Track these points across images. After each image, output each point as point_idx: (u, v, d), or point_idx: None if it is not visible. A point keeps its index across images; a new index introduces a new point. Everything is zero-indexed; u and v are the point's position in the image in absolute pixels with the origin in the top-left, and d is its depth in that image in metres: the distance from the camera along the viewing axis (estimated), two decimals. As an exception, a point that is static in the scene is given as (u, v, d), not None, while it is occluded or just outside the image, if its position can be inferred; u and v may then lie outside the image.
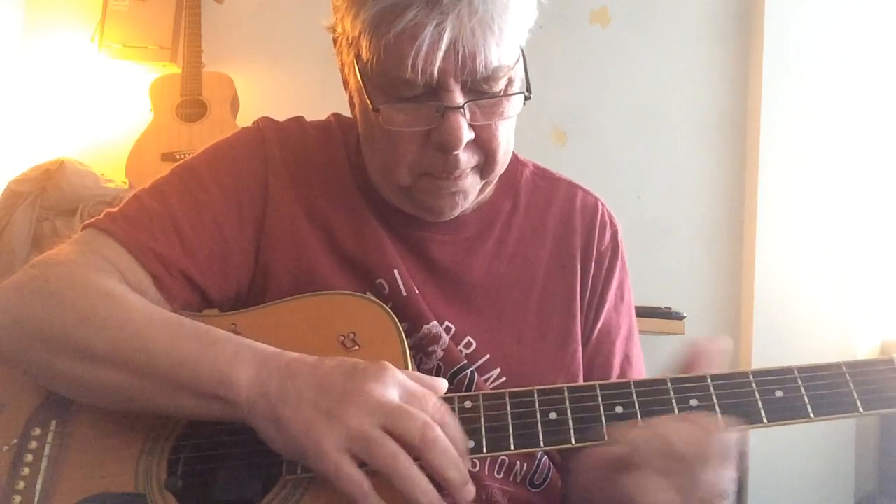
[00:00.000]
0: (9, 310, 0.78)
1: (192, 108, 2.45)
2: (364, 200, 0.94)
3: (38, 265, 0.82)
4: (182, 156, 2.35)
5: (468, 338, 0.91)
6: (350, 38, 0.81)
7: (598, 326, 0.98)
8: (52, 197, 2.23)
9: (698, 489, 0.67)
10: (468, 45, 0.75)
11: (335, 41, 0.89)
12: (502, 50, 0.78)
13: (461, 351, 0.91)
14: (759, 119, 2.38)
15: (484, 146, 0.83)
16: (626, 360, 1.00)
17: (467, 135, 0.79)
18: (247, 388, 0.70)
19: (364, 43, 0.78)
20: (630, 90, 2.51)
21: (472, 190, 0.87)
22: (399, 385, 0.69)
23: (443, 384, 0.75)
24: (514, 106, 0.83)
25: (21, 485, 0.75)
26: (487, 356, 0.91)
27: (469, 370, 0.90)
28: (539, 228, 0.98)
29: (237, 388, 0.70)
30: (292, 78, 2.61)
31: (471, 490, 0.67)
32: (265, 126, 0.97)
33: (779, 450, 2.21)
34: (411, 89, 0.78)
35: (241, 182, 0.92)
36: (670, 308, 2.16)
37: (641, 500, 0.67)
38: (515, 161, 1.00)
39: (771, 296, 2.31)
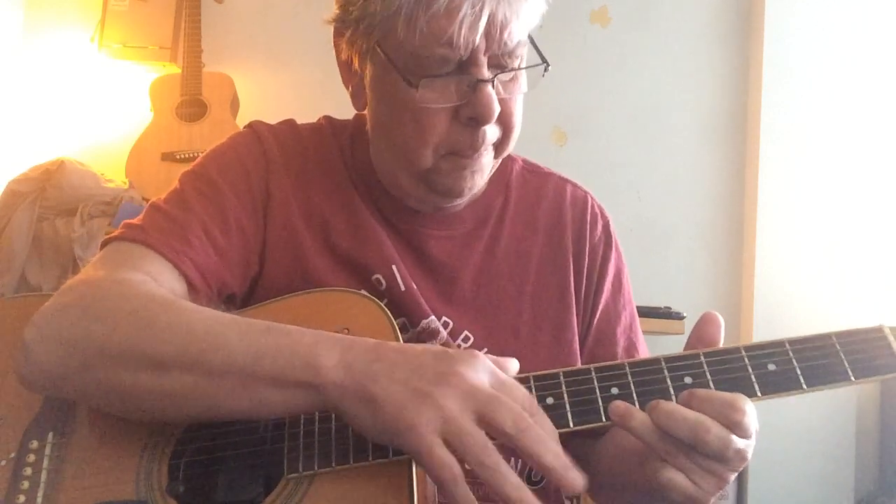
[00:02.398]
0: (57, 333, 0.74)
1: (192, 108, 2.45)
2: (360, 198, 0.95)
3: (76, 285, 0.79)
4: (182, 156, 2.35)
5: (466, 332, 0.92)
6: (375, 21, 0.81)
7: (597, 316, 0.99)
8: (52, 197, 2.23)
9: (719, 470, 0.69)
10: (504, 17, 0.78)
11: (339, 32, 0.88)
12: (528, 21, 0.81)
13: (460, 345, 0.92)
14: (759, 119, 2.38)
15: (504, 121, 0.85)
16: (632, 347, 1.00)
17: (498, 107, 0.81)
18: (333, 371, 0.67)
19: (400, 21, 0.78)
20: (630, 90, 2.51)
21: (487, 168, 0.89)
22: (489, 372, 0.68)
23: (514, 364, 0.74)
24: (526, 81, 0.85)
25: (21, 499, 0.74)
26: (485, 350, 0.91)
27: None
28: (530, 223, 1.00)
29: (324, 372, 0.67)
30: (292, 78, 2.61)
31: (577, 476, 0.64)
32: (259, 128, 0.98)
33: (779, 450, 2.21)
34: (443, 66, 0.80)
35: (250, 182, 0.92)
36: (670, 308, 2.16)
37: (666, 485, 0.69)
38: (507, 157, 1.01)
39: (771, 296, 2.32)
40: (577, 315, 0.98)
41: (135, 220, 0.87)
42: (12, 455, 0.77)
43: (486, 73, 0.80)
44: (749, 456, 0.69)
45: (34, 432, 0.78)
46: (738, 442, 0.68)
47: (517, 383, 0.69)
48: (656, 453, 0.69)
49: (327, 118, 1.03)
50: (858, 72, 2.35)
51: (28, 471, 0.76)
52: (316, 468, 0.72)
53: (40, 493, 0.74)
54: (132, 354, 0.71)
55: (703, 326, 0.77)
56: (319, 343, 0.69)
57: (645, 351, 1.02)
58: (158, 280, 0.81)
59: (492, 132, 0.84)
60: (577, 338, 0.97)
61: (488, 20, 0.77)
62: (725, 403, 0.68)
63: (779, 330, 2.25)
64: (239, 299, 0.92)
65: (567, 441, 0.98)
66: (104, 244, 0.87)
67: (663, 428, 0.68)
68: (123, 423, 0.78)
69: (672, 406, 0.69)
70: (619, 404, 0.71)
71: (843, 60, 2.35)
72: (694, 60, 2.51)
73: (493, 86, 0.80)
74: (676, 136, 2.50)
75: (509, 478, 0.63)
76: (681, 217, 2.48)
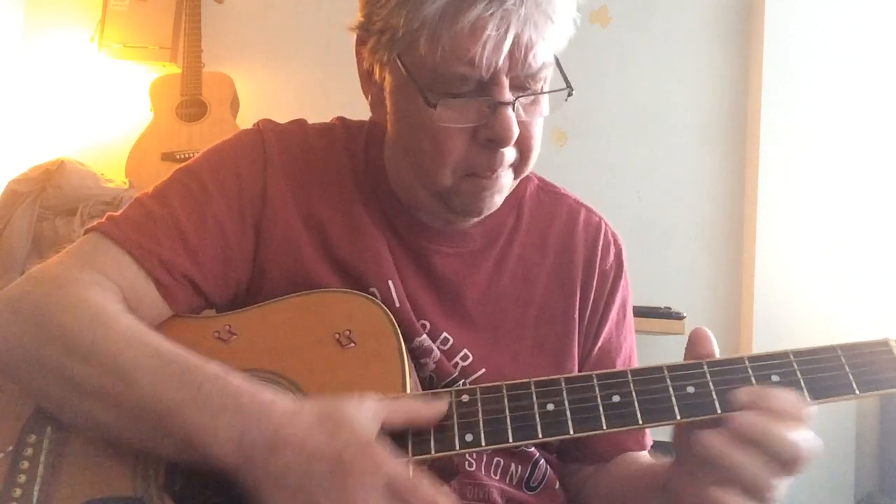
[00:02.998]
0: (5, 330, 0.78)
1: (192, 108, 2.45)
2: (365, 207, 0.93)
3: (34, 279, 0.81)
4: (182, 156, 2.35)
5: (465, 350, 0.91)
6: (398, 34, 0.79)
7: (599, 345, 0.98)
8: (52, 197, 2.23)
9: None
10: (529, 39, 0.76)
11: (362, 41, 0.86)
12: (554, 44, 0.79)
13: (457, 363, 0.90)
14: (759, 119, 2.38)
15: (523, 144, 0.84)
16: None
17: (517, 130, 0.80)
18: (231, 453, 0.67)
19: (423, 37, 0.76)
20: (630, 90, 2.51)
21: (506, 189, 0.88)
22: (388, 479, 0.65)
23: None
24: (548, 105, 0.84)
25: (18, 492, 0.74)
26: (483, 371, 0.90)
27: (461, 383, 0.89)
28: (540, 245, 0.98)
29: (221, 451, 0.68)
30: (292, 78, 2.61)
31: None
32: (265, 128, 0.96)
33: (779, 450, 2.20)
34: (464, 85, 0.78)
35: (241, 184, 0.91)
36: (670, 308, 2.16)
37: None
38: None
39: (771, 296, 2.31)
40: (578, 342, 0.96)
41: (117, 213, 0.88)
42: (10, 448, 0.77)
43: (508, 96, 0.78)
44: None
45: (33, 426, 0.78)
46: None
47: (418, 483, 0.65)
48: (727, 470, 0.66)
49: (341, 119, 1.01)
50: (858, 72, 2.35)
51: (25, 464, 0.76)
52: None
53: (37, 487, 0.74)
54: (55, 374, 0.75)
55: (694, 347, 0.75)
56: (224, 409, 0.68)
57: None
58: (123, 276, 0.83)
59: (510, 154, 0.83)
60: (577, 366, 0.96)
61: (513, 41, 0.75)
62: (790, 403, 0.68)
63: (779, 330, 2.26)
64: (219, 303, 0.91)
65: (567, 466, 0.97)
66: (85, 232, 0.88)
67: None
68: None
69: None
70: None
71: (843, 60, 2.35)
72: (694, 60, 2.51)
73: (513, 108, 0.78)
74: (676, 136, 2.50)
75: None
76: (681, 217, 2.47)
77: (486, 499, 0.90)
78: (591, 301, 0.97)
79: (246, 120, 2.40)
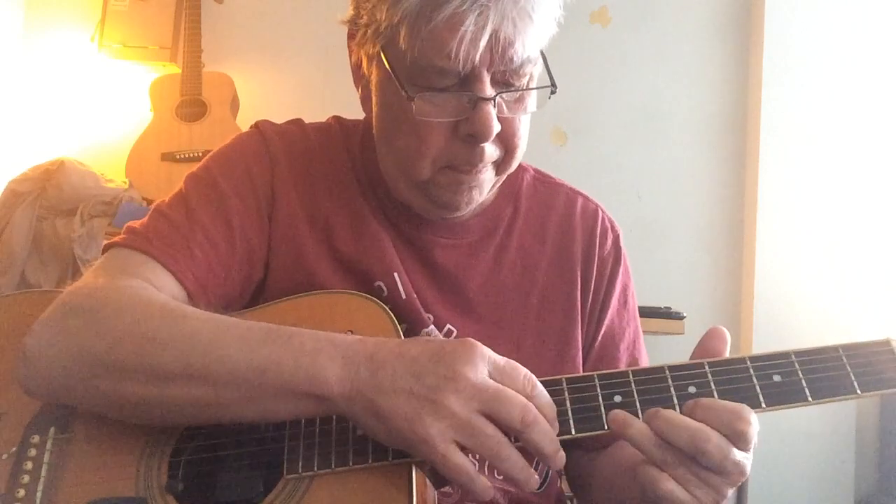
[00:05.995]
0: (58, 344, 0.74)
1: (192, 107, 2.45)
2: (366, 203, 0.94)
3: (75, 293, 0.78)
4: (182, 156, 2.35)
5: None
6: (380, 28, 0.81)
7: (602, 332, 0.98)
8: (52, 197, 2.23)
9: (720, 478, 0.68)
10: (507, 35, 0.76)
11: (351, 35, 0.88)
12: (535, 41, 0.79)
13: None
14: (759, 119, 2.38)
15: (506, 141, 0.84)
16: (634, 364, 0.99)
17: (497, 126, 0.80)
18: (338, 384, 0.68)
19: (403, 30, 0.77)
20: (630, 90, 2.51)
21: (487, 185, 0.88)
22: (488, 362, 0.69)
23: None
24: (534, 102, 0.84)
25: (21, 493, 0.74)
26: None
27: None
28: (539, 234, 0.99)
29: (329, 385, 0.68)
30: (292, 78, 2.61)
31: (563, 456, 0.70)
32: (266, 128, 0.97)
33: (779, 450, 2.21)
34: (444, 79, 0.79)
35: (254, 184, 0.92)
36: (670, 308, 2.16)
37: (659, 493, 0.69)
38: (517, 166, 1.00)
39: (771, 296, 2.31)
40: (581, 330, 0.97)
41: (138, 225, 0.87)
42: (13, 449, 0.77)
43: (489, 91, 0.79)
44: (747, 471, 0.69)
45: (36, 427, 0.78)
46: (737, 454, 0.67)
47: (515, 365, 0.70)
48: (655, 463, 0.69)
49: (337, 118, 1.02)
50: (858, 72, 2.35)
51: (29, 465, 0.76)
52: (315, 469, 0.72)
53: (40, 488, 0.74)
54: (136, 368, 0.72)
55: (709, 341, 0.75)
56: (321, 352, 0.70)
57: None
58: (160, 289, 0.81)
59: (491, 150, 0.83)
60: (580, 353, 0.96)
61: (490, 36, 0.75)
62: (731, 413, 0.68)
63: (779, 330, 2.26)
64: (240, 303, 0.91)
65: (569, 453, 0.99)
66: (106, 248, 0.87)
67: (663, 436, 0.68)
68: (125, 420, 0.78)
69: (672, 414, 0.69)
70: (618, 413, 0.71)
71: (843, 60, 2.35)
72: (694, 60, 2.51)
73: (494, 104, 0.79)
74: (676, 136, 2.50)
75: (518, 463, 0.68)
76: (681, 217, 2.48)
77: (488, 500, 0.90)
78: (591, 288, 0.98)
79: (246, 120, 2.39)
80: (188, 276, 0.84)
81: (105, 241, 0.88)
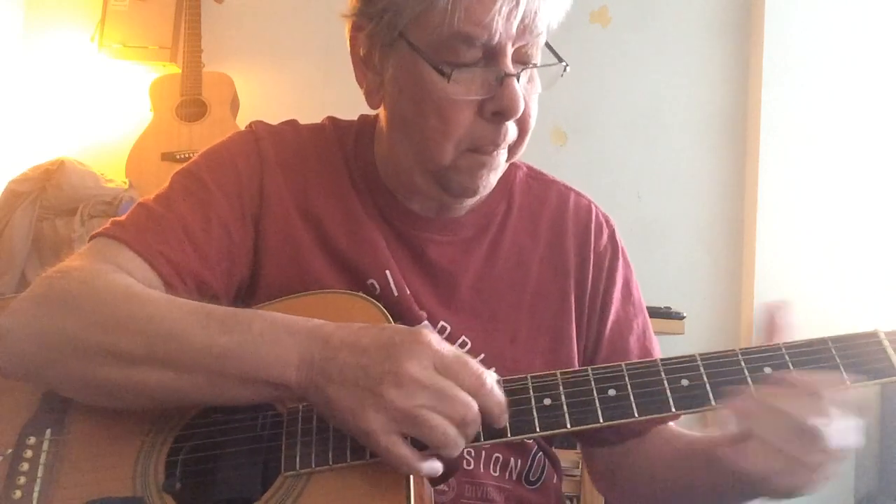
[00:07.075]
0: (30, 323, 0.77)
1: (192, 107, 2.45)
2: (360, 201, 0.95)
3: (52, 275, 0.80)
4: (182, 156, 2.35)
5: (463, 337, 0.92)
6: (401, 10, 0.81)
7: (609, 327, 0.99)
8: (52, 197, 2.24)
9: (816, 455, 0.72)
10: (533, 6, 0.79)
11: (358, 26, 0.88)
12: (553, 14, 0.83)
13: None
14: (759, 119, 2.38)
15: (522, 121, 0.85)
16: (646, 355, 1.00)
17: (524, 101, 0.81)
18: (294, 373, 0.70)
19: (436, 8, 0.78)
20: (630, 90, 2.51)
21: (501, 169, 0.89)
22: (435, 357, 0.69)
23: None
24: (541, 83, 0.86)
25: (18, 494, 0.74)
26: (482, 356, 0.90)
27: None
28: (532, 230, 0.99)
29: (285, 374, 0.70)
30: (292, 78, 2.61)
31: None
32: (258, 128, 0.98)
33: (779, 450, 2.20)
34: (471, 55, 0.80)
35: (240, 182, 0.92)
36: (670, 308, 2.16)
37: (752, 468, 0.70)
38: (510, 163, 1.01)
39: (771, 296, 2.31)
40: (579, 325, 0.97)
41: (121, 217, 0.89)
42: (9, 451, 0.77)
43: (512, 67, 0.81)
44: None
45: (32, 429, 0.78)
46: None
47: (466, 360, 0.70)
48: (761, 439, 0.70)
49: (331, 118, 1.02)
50: (858, 71, 2.35)
51: (25, 466, 0.76)
52: (313, 466, 0.72)
53: (37, 489, 0.74)
54: (100, 351, 0.74)
55: (770, 316, 0.78)
56: (278, 342, 0.71)
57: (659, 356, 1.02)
58: (133, 275, 0.83)
59: (513, 130, 0.85)
60: (575, 349, 0.96)
61: (525, 7, 0.78)
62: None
63: (779, 330, 2.26)
64: (225, 300, 0.91)
65: (594, 451, 0.99)
66: (90, 239, 0.88)
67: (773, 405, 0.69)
68: (121, 420, 0.78)
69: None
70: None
71: (843, 60, 2.35)
72: (694, 60, 2.51)
73: (518, 80, 0.81)
74: (676, 136, 2.50)
75: (460, 447, 0.69)
76: (681, 217, 2.48)
77: (485, 497, 0.90)
78: (589, 284, 0.98)
79: (246, 120, 2.38)
80: (160, 261, 0.84)
81: (90, 233, 0.90)
